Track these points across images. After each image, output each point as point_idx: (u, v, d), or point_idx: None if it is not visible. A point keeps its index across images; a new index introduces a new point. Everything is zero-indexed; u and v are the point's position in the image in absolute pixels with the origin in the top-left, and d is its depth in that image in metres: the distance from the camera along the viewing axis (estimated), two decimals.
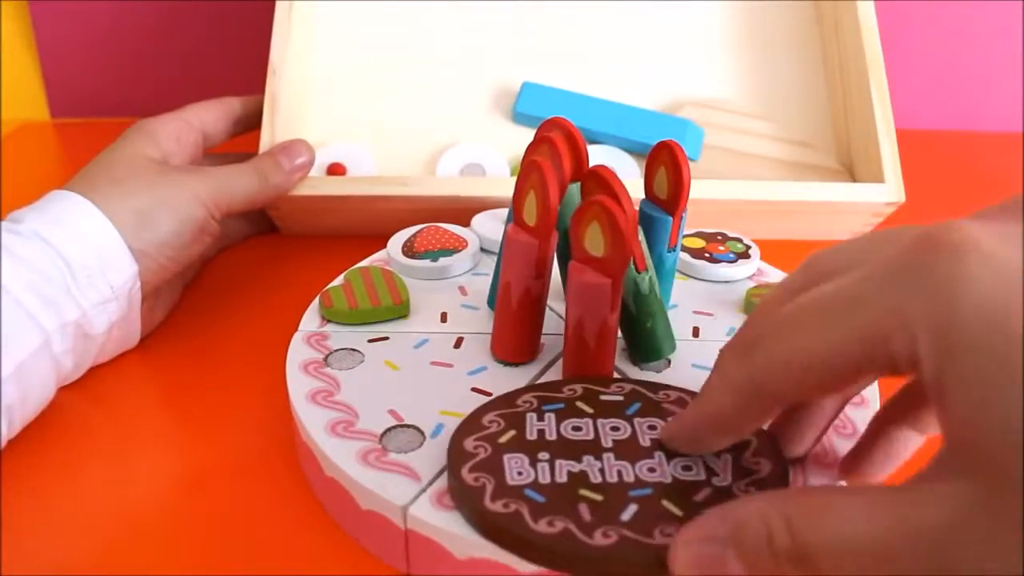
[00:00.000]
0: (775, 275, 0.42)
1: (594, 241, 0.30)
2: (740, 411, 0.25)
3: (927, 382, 0.20)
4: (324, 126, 0.55)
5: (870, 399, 0.34)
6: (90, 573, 0.30)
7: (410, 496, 0.29)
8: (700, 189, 0.48)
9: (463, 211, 0.47)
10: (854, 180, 0.54)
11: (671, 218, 0.35)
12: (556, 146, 0.34)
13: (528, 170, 0.32)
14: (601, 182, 0.32)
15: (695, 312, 0.39)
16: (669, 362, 0.35)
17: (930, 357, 0.20)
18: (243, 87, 0.54)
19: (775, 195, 0.50)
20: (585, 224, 0.30)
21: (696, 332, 0.37)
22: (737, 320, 0.38)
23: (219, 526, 0.32)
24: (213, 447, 0.36)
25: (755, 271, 0.42)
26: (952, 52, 0.72)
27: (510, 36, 0.58)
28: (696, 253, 0.42)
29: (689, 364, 0.35)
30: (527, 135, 0.36)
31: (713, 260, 0.42)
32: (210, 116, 0.48)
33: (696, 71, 0.58)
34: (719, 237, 0.44)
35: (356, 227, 0.51)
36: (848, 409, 0.33)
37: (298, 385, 0.34)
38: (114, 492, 0.34)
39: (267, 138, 0.50)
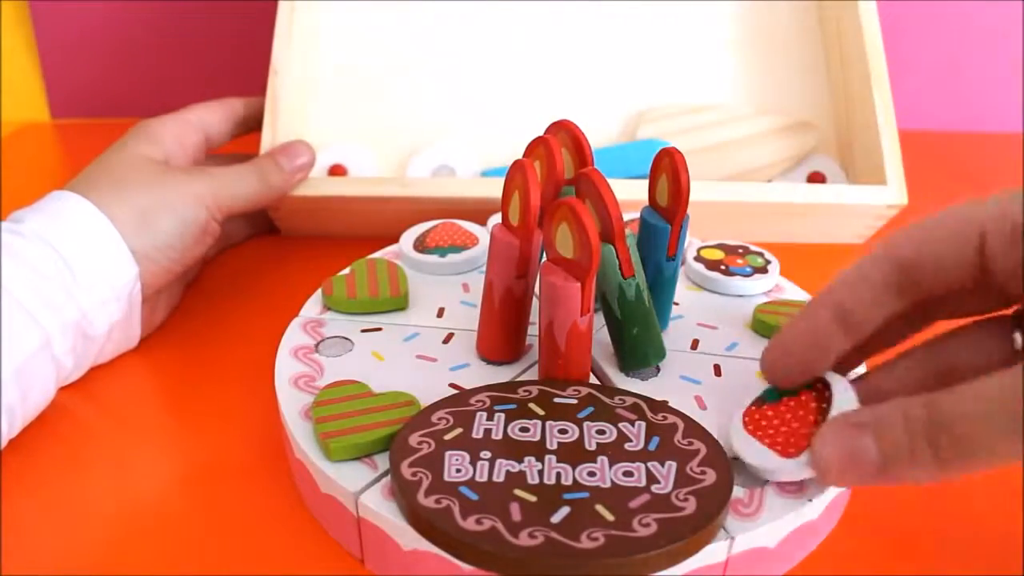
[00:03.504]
0: (792, 291, 0.41)
1: (564, 242, 0.30)
2: (860, 282, 0.27)
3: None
4: (325, 127, 0.55)
5: None
6: (90, 573, 0.30)
7: (363, 485, 0.29)
8: (700, 190, 0.48)
9: (465, 212, 0.47)
10: (856, 182, 0.54)
11: (670, 226, 0.35)
12: (551, 148, 0.34)
13: (513, 171, 0.32)
14: (590, 185, 0.32)
15: (699, 324, 0.38)
16: (658, 370, 0.35)
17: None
18: (245, 87, 0.54)
19: (776, 197, 0.50)
20: (555, 225, 0.30)
21: (695, 344, 0.37)
22: (741, 335, 0.37)
23: (219, 526, 0.32)
24: (212, 447, 0.36)
25: (772, 287, 0.41)
26: (953, 53, 0.72)
27: (512, 38, 0.58)
28: (712, 265, 0.41)
29: (678, 375, 0.35)
30: (528, 135, 0.36)
31: (728, 273, 0.41)
32: (212, 117, 0.48)
33: (698, 72, 0.58)
34: (739, 250, 0.43)
35: (357, 228, 0.51)
36: None
37: (284, 369, 0.35)
38: (114, 492, 0.34)
39: (268, 139, 0.50)
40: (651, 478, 0.27)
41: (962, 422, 0.23)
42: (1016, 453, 0.22)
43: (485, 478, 0.27)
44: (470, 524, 0.26)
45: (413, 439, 0.29)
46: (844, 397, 0.28)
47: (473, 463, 0.28)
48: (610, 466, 0.28)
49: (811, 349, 0.29)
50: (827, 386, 0.29)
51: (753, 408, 0.30)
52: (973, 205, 0.26)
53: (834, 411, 0.28)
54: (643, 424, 0.30)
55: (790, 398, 0.30)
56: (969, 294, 0.28)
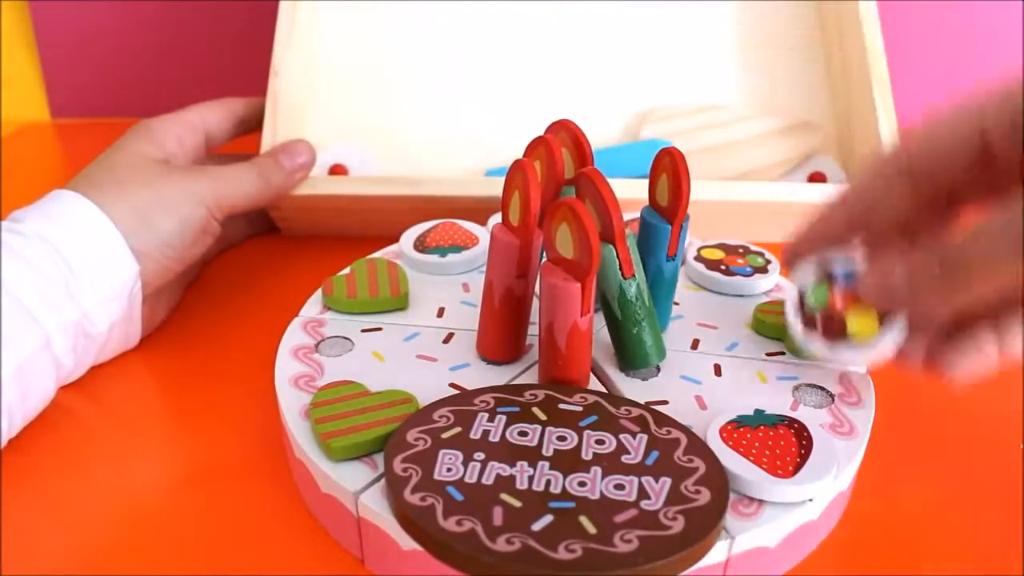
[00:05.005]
0: (793, 292, 0.41)
1: (564, 243, 0.30)
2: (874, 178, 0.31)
3: None
4: (326, 127, 0.55)
5: (867, 400, 0.33)
6: (90, 573, 0.30)
7: (363, 485, 0.29)
8: (700, 191, 0.48)
9: (465, 211, 0.47)
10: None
11: (670, 226, 0.35)
12: (551, 148, 0.34)
13: (513, 171, 0.32)
14: (590, 185, 0.32)
15: (699, 324, 0.38)
16: (658, 370, 0.35)
17: None
18: (245, 87, 0.54)
19: (777, 197, 0.50)
20: (555, 225, 0.30)
21: (695, 344, 0.37)
22: (741, 335, 0.37)
23: (219, 526, 0.32)
24: (213, 447, 0.36)
25: (772, 287, 0.41)
26: (953, 53, 0.72)
27: (513, 38, 0.58)
28: (712, 265, 0.41)
29: (678, 375, 0.35)
30: (528, 135, 0.36)
31: (728, 273, 0.41)
32: (213, 117, 0.48)
33: (700, 73, 0.58)
34: (740, 250, 0.43)
35: (357, 227, 0.51)
36: (846, 409, 0.33)
37: (284, 369, 0.35)
38: (114, 492, 0.34)
39: (268, 139, 0.50)
40: (642, 493, 0.27)
41: (964, 242, 0.27)
42: (1009, 272, 0.26)
43: (474, 479, 0.27)
44: (450, 524, 0.26)
45: (411, 435, 0.29)
46: (822, 436, 0.30)
47: (465, 463, 0.28)
48: (602, 477, 0.28)
49: (824, 241, 0.32)
50: (804, 427, 0.30)
51: (730, 427, 0.30)
52: (976, 95, 0.29)
53: (815, 451, 0.29)
54: (645, 437, 0.29)
55: (767, 427, 0.30)
56: (981, 185, 0.30)
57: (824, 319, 0.31)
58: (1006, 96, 0.28)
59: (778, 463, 0.29)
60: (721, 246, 0.43)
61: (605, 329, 0.35)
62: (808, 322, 0.32)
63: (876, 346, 0.30)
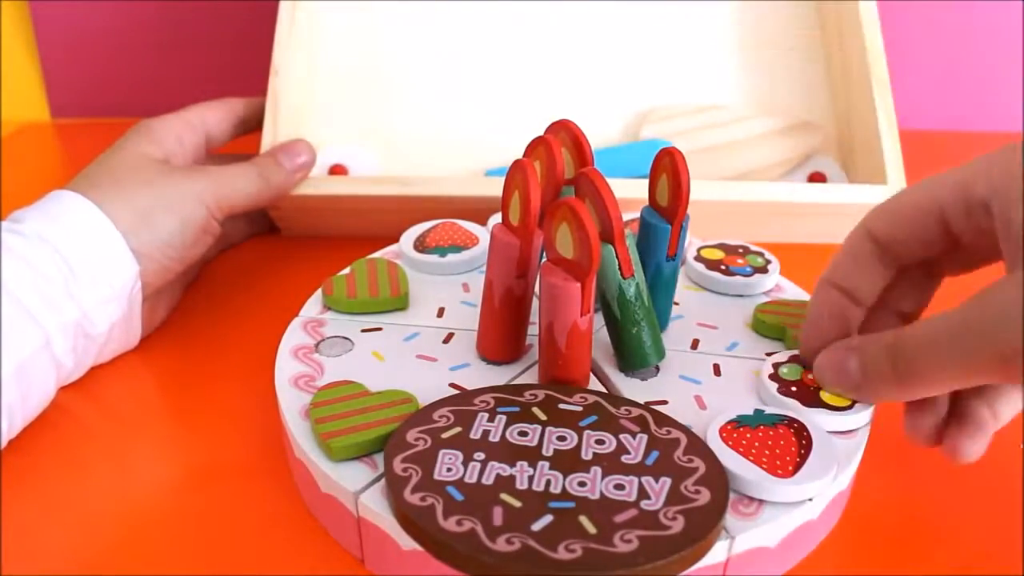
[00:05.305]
0: (792, 291, 0.41)
1: (564, 243, 0.30)
2: (852, 262, 0.32)
3: (997, 216, 0.27)
4: (326, 127, 0.55)
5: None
6: (90, 573, 0.30)
7: (363, 485, 0.29)
8: (700, 190, 0.48)
9: (465, 212, 0.47)
10: (856, 182, 0.54)
11: (670, 226, 0.35)
12: (551, 148, 0.34)
13: (513, 171, 0.32)
14: (590, 185, 0.32)
15: (699, 324, 0.38)
16: (658, 370, 0.35)
17: (999, 195, 0.27)
18: (245, 87, 0.54)
19: (776, 196, 0.50)
20: (555, 225, 0.30)
21: (695, 344, 0.37)
22: (741, 335, 0.37)
23: (219, 526, 0.32)
24: (213, 447, 0.36)
25: (772, 287, 0.41)
26: (953, 53, 0.72)
27: (513, 38, 0.58)
28: (712, 265, 0.41)
29: (677, 375, 0.35)
30: (528, 135, 0.36)
31: (728, 273, 0.41)
32: (213, 117, 0.48)
33: (698, 72, 0.58)
34: (740, 250, 0.43)
35: (357, 228, 0.51)
36: None
37: (284, 369, 0.35)
38: (114, 492, 0.34)
39: (269, 139, 0.50)
40: (642, 493, 0.27)
41: (914, 347, 0.27)
42: (957, 375, 0.27)
43: (474, 480, 0.27)
44: (450, 524, 0.26)
45: (411, 435, 0.29)
46: (822, 436, 0.30)
47: (465, 463, 0.28)
48: (602, 477, 0.28)
49: (835, 327, 0.32)
50: (803, 426, 0.30)
51: (729, 426, 0.30)
52: (934, 181, 0.30)
53: (815, 450, 0.29)
54: (644, 437, 0.29)
55: (766, 427, 0.30)
56: (952, 257, 0.31)
57: (798, 387, 0.32)
58: (961, 184, 0.29)
59: (778, 463, 0.29)
60: (721, 246, 0.43)
61: (605, 329, 0.35)
62: (783, 384, 0.33)
63: (850, 413, 0.31)
